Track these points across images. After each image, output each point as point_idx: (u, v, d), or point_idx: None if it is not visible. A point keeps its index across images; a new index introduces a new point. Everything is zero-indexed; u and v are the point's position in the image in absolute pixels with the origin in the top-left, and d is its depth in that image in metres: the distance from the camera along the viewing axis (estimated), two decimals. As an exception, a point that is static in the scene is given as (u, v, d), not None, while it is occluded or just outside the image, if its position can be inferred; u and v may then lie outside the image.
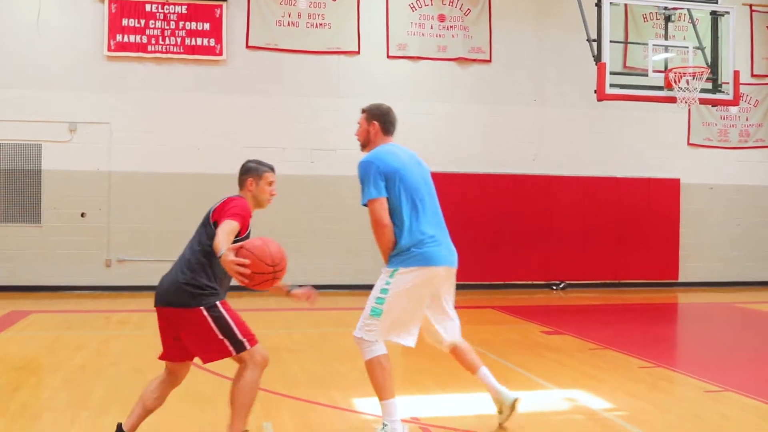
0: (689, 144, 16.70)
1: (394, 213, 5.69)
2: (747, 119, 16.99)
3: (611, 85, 11.71)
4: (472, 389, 7.10)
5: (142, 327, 10.57)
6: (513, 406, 5.97)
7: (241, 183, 5.36)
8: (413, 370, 7.88)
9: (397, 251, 5.64)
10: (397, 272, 5.59)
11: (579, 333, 10.22)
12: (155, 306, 5.07)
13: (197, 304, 4.94)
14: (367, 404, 6.54)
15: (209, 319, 4.94)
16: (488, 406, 6.49)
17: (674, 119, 16.26)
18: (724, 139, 16.89)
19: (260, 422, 5.95)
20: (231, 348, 5.00)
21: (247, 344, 5.02)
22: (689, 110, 16.08)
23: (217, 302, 5.02)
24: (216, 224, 4.95)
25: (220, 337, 4.95)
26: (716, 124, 16.78)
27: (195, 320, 4.94)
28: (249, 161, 5.43)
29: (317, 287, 14.91)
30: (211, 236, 4.89)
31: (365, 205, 5.75)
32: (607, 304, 14.12)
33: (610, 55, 11.89)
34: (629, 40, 15.40)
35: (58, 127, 14.02)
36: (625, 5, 14.62)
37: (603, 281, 16.18)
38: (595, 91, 11.83)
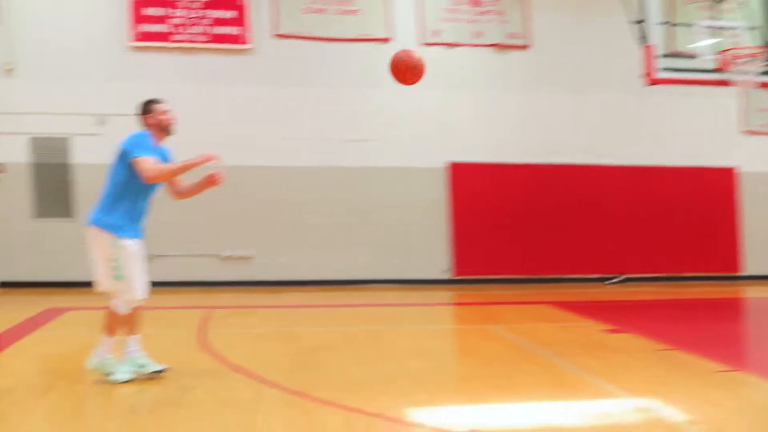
0: (744, 131, 15.80)
1: None
2: (805, 103, 16.07)
3: (664, 69, 10.88)
4: (532, 397, 6.47)
5: (175, 325, 10.07)
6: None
7: None
8: (469, 376, 7.24)
9: None
10: None
11: (642, 331, 9.49)
12: None
13: None
14: (419, 414, 5.93)
15: None
16: (554, 416, 5.88)
17: (724, 105, 15.39)
18: (781, 125, 15.96)
19: (303, 435, 5.36)
20: None
21: None
22: (742, 95, 15.23)
23: None
24: None
25: None
26: (772, 109, 15.85)
27: None
28: None
29: (348, 282, 14.68)
30: None
31: None
32: (667, 299, 13.37)
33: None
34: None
35: (86, 120, 13.64)
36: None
37: (657, 274, 15.43)
38: (644, 76, 11.04)
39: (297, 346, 8.55)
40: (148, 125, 6.76)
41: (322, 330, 9.82)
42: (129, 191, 6.60)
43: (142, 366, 6.89)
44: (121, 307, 6.65)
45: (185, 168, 6.61)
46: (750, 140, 15.81)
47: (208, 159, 6.66)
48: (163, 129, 6.78)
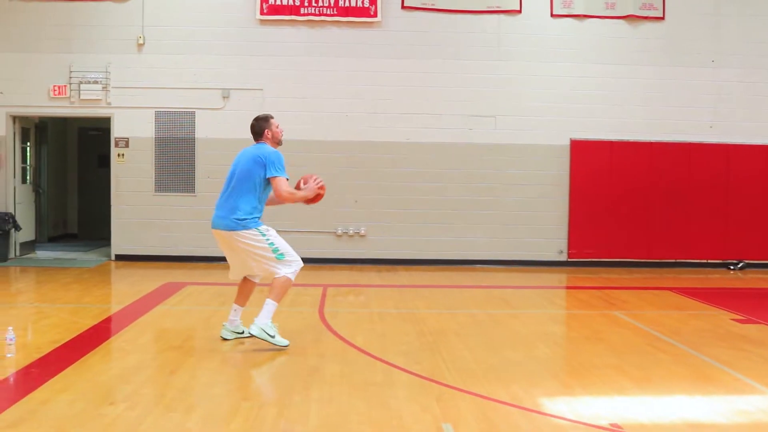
0: None
1: None
2: None
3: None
4: (672, 390, 6.22)
5: (297, 303, 10.10)
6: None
7: None
8: (601, 364, 7.00)
9: None
10: None
11: (778, 322, 9.09)
12: None
13: None
14: (556, 405, 5.76)
15: None
16: (697, 411, 5.64)
17: None
18: None
19: (438, 422, 5.27)
20: None
21: None
22: None
23: None
24: None
25: None
26: None
27: None
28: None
29: (470, 262, 14.43)
30: None
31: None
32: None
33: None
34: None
35: (211, 94, 13.78)
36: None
37: (781, 261, 14.71)
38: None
39: (419, 329, 8.47)
40: (265, 138, 7.53)
41: (442, 312, 9.70)
42: (264, 190, 7.39)
43: (242, 333, 7.70)
44: (292, 276, 7.34)
45: (306, 198, 7.50)
46: None
47: (320, 190, 7.56)
48: (277, 142, 7.59)
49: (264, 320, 7.22)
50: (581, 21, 14.24)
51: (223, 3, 13.89)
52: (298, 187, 7.52)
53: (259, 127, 7.54)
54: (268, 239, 7.26)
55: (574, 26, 14.24)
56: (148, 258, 13.79)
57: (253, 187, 7.29)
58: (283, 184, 7.27)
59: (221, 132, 13.62)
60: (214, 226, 7.41)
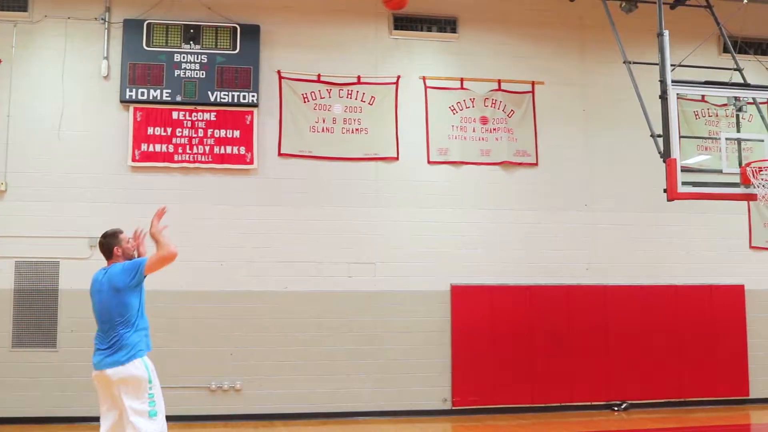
0: (751, 247, 15.49)
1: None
2: (814, 219, 15.85)
3: (683, 183, 10.62)
4: None
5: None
6: None
7: None
8: None
9: None
10: None
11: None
12: None
13: None
14: None
15: None
16: None
17: (734, 221, 15.20)
18: (789, 241, 15.69)
19: None
20: None
21: None
22: (749, 211, 15.09)
23: None
24: None
25: None
26: (778, 224, 15.63)
27: None
28: None
29: (353, 414, 13.91)
30: None
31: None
32: (681, 428, 12.75)
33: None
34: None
35: (77, 243, 13.08)
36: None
37: (666, 399, 14.76)
38: (665, 191, 10.77)
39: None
40: (116, 256, 7.14)
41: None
42: (140, 312, 7.02)
43: None
44: None
45: (161, 232, 7.03)
46: (756, 256, 15.41)
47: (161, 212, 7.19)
48: (128, 257, 7.17)
49: None
50: (458, 168, 14.44)
51: (93, 150, 13.43)
52: (136, 243, 7.41)
53: (108, 244, 7.17)
54: (151, 388, 6.82)
55: (451, 172, 14.41)
56: (2, 420, 12.64)
57: (128, 319, 6.91)
58: (151, 262, 6.91)
59: (87, 283, 12.67)
60: (97, 368, 6.84)
